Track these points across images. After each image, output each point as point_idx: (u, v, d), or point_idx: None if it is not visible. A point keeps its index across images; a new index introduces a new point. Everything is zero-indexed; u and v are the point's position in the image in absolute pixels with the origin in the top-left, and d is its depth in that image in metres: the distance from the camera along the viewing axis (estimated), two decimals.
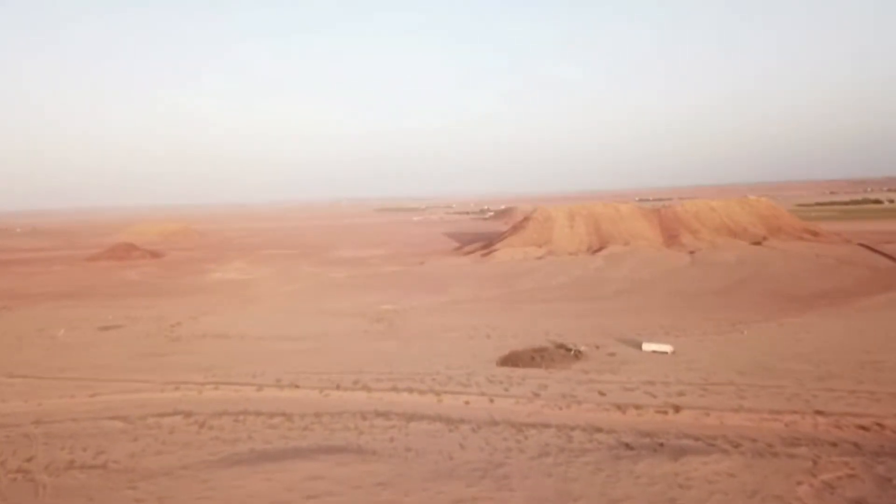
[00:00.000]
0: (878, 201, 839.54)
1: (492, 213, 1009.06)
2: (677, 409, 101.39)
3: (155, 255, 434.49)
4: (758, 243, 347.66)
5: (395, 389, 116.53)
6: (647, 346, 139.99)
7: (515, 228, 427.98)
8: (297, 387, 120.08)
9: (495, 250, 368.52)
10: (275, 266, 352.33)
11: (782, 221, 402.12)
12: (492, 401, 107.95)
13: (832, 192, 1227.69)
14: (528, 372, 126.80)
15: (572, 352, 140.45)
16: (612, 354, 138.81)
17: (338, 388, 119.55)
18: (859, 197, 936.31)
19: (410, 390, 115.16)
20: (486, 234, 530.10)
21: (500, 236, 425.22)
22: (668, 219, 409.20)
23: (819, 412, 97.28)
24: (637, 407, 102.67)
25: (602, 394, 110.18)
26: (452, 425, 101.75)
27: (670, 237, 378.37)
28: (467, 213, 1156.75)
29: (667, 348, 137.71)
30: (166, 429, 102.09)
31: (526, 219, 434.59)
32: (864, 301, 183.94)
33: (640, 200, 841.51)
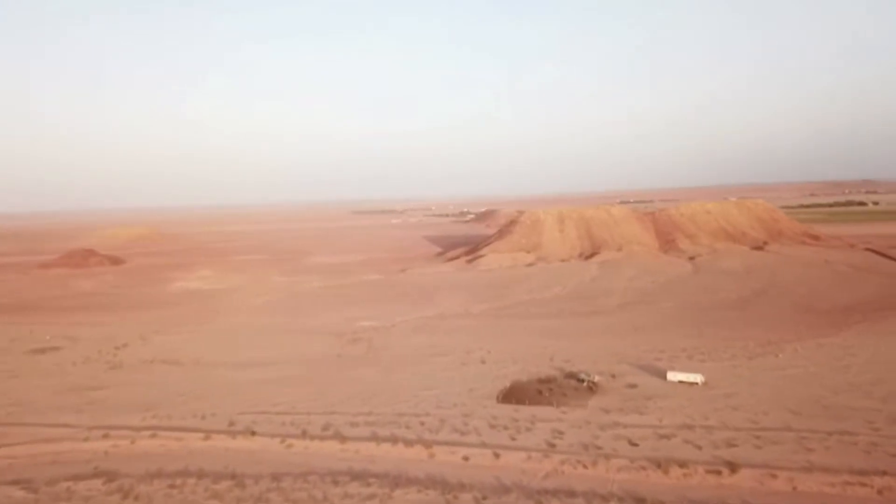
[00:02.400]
0: (862, 203, 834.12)
1: (472, 216, 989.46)
2: (733, 467, 80.00)
3: (115, 261, 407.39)
4: (759, 248, 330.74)
5: (374, 438, 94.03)
6: (673, 376, 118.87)
7: (502, 233, 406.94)
8: (253, 434, 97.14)
9: (481, 256, 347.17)
10: (244, 274, 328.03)
11: (782, 225, 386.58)
12: (497, 455, 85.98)
13: (812, 195, 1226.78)
14: (537, 411, 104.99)
15: (585, 383, 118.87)
16: (633, 386, 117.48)
17: (304, 435, 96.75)
18: (842, 199, 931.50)
19: (394, 440, 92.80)
20: (469, 237, 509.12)
21: (486, 241, 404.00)
22: (662, 222, 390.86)
23: None
24: (681, 465, 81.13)
25: (633, 444, 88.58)
26: (450, 494, 79.37)
27: (666, 242, 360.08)
28: (447, 215, 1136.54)
29: (696, 378, 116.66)
30: (79, 499, 79.30)
31: (513, 222, 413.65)
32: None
33: (622, 202, 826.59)
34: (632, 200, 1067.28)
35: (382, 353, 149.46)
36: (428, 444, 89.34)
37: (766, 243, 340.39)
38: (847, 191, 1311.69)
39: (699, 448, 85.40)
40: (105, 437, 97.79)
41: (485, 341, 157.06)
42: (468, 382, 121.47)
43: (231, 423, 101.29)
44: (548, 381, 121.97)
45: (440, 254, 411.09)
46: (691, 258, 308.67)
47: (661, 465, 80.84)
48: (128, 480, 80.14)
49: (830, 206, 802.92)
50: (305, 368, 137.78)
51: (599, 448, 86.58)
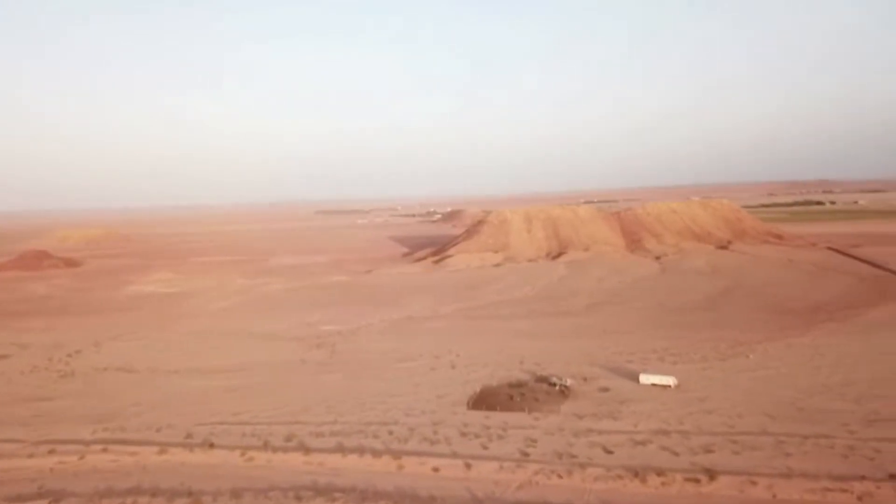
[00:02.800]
0: (819, 203, 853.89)
1: (439, 216, 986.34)
2: (711, 474, 77.57)
3: (71, 263, 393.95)
4: (724, 248, 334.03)
5: (340, 449, 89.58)
6: (646, 379, 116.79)
7: (470, 233, 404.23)
8: (212, 446, 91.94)
9: (449, 256, 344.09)
10: (206, 277, 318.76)
11: (746, 225, 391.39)
12: (468, 466, 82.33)
13: (771, 194, 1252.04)
14: (509, 418, 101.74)
15: (557, 387, 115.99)
16: (606, 390, 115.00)
17: (266, 446, 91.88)
18: (801, 199, 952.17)
19: (361, 450, 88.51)
20: (436, 237, 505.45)
21: (454, 241, 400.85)
22: (629, 222, 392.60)
23: (894, 476, 75.44)
24: (659, 473, 78.44)
25: (608, 451, 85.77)
26: None
27: (633, 242, 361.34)
28: (413, 215, 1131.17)
29: (669, 381, 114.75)
30: None
31: (481, 222, 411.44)
32: (866, 315, 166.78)
33: (587, 202, 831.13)
34: (596, 200, 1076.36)
35: (348, 358, 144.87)
36: (396, 455, 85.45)
37: (730, 243, 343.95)
38: (804, 190, 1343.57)
39: (676, 455, 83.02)
40: (51, 452, 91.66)
41: (454, 344, 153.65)
42: (437, 388, 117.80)
43: (188, 436, 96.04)
44: (519, 385, 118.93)
45: (407, 254, 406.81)
46: (658, 258, 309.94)
47: (638, 473, 78.13)
48: (74, 501, 74.70)
49: (790, 205, 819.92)
50: (268, 375, 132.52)
51: (574, 456, 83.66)
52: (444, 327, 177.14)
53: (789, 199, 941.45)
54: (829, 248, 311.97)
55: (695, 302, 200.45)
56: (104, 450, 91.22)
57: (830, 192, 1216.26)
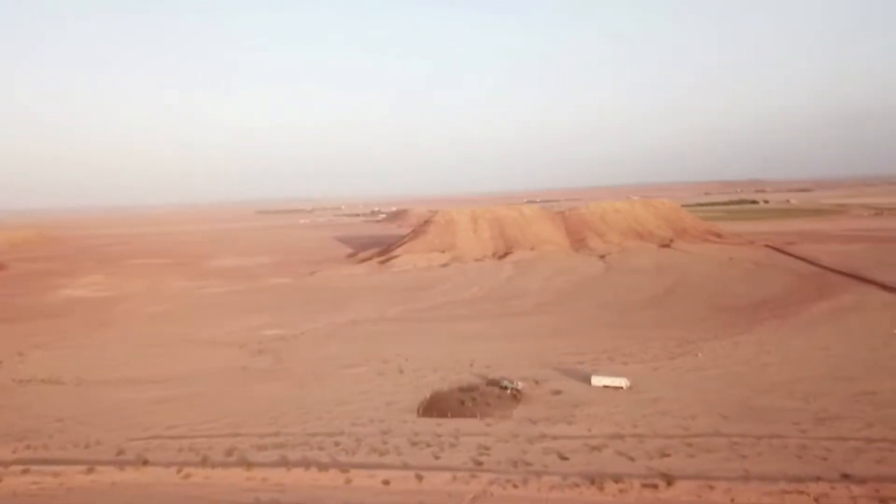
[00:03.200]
0: (754, 202, 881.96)
1: (384, 216, 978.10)
2: (669, 479, 75.84)
3: None
4: (666, 246, 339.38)
5: (284, 463, 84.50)
6: (598, 380, 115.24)
7: (416, 233, 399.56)
8: (145, 463, 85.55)
9: (395, 257, 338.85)
10: (141, 280, 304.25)
11: (686, 223, 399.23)
12: (420, 477, 78.56)
13: (707, 194, 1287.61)
14: (460, 424, 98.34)
15: (509, 390, 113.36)
16: (558, 393, 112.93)
17: (204, 462, 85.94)
18: (735, 198, 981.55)
19: (306, 464, 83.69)
20: (381, 237, 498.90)
21: (399, 241, 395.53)
22: (573, 222, 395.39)
23: (847, 476, 75.25)
24: (616, 479, 76.30)
25: (564, 457, 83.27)
26: None
27: (577, 241, 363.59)
28: (357, 214, 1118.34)
29: (621, 382, 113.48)
30: None
31: (427, 222, 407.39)
32: (806, 311, 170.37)
33: (530, 202, 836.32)
34: (539, 200, 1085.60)
35: (291, 364, 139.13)
36: (344, 468, 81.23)
37: (672, 241, 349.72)
38: (738, 190, 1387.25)
39: (632, 459, 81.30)
40: None
41: (402, 348, 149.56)
42: (386, 395, 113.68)
43: (119, 452, 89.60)
44: (470, 389, 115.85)
45: (351, 255, 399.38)
46: (602, 256, 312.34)
47: (594, 480, 75.98)
48: None
49: (726, 204, 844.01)
50: (206, 385, 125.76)
51: (529, 464, 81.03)
52: (392, 330, 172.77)
53: (725, 199, 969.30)
54: (767, 246, 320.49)
55: (641, 300, 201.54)
56: (25, 471, 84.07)
57: (763, 191, 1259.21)
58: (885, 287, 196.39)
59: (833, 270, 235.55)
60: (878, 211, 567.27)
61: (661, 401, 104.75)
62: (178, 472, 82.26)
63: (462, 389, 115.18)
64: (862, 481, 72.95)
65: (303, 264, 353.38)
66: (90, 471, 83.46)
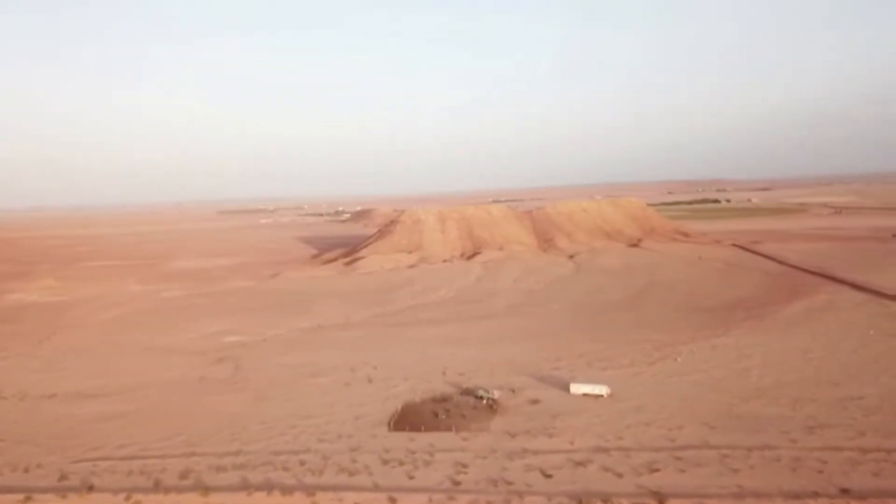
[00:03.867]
0: (716, 201, 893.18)
1: (348, 215, 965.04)
2: (660, 498, 70.65)
3: None
4: (635, 245, 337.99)
5: (245, 486, 77.10)
6: (577, 388, 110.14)
7: (382, 233, 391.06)
8: (91, 489, 77.76)
9: (361, 258, 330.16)
10: (96, 284, 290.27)
11: (654, 223, 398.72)
12: (393, 500, 72.20)
13: (670, 192, 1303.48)
14: (435, 439, 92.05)
15: (485, 401, 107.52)
16: (536, 402, 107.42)
17: (157, 486, 78.22)
18: (699, 197, 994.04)
19: (269, 487, 76.53)
20: (346, 238, 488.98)
21: (365, 242, 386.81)
22: (541, 221, 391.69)
23: (846, 491, 71.04)
24: (604, 499, 70.89)
25: (547, 475, 77.61)
26: None
27: (545, 241, 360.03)
28: (321, 214, 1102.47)
29: (601, 390, 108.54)
30: None
31: (393, 222, 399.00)
32: (780, 312, 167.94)
33: (495, 201, 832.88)
34: (503, 199, 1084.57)
35: (252, 374, 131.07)
36: (310, 491, 74.77)
37: (640, 241, 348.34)
38: (701, 189, 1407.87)
39: (620, 476, 76.15)
40: None
41: (370, 355, 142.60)
42: (354, 408, 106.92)
43: (62, 477, 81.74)
44: (443, 400, 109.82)
45: (315, 256, 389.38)
46: (571, 256, 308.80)
47: (581, 501, 70.58)
48: None
49: (689, 203, 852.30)
50: (160, 397, 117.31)
51: (510, 483, 75.38)
52: (359, 336, 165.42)
53: (688, 198, 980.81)
54: (735, 245, 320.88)
55: (614, 302, 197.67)
56: None
57: (724, 190, 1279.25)
58: (855, 286, 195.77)
59: (801, 269, 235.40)
60: (837, 210, 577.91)
61: (644, 409, 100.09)
62: (127, 499, 75.04)
63: (435, 400, 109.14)
64: (862, 497, 69.03)
65: (265, 266, 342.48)
66: (27, 499, 75.73)
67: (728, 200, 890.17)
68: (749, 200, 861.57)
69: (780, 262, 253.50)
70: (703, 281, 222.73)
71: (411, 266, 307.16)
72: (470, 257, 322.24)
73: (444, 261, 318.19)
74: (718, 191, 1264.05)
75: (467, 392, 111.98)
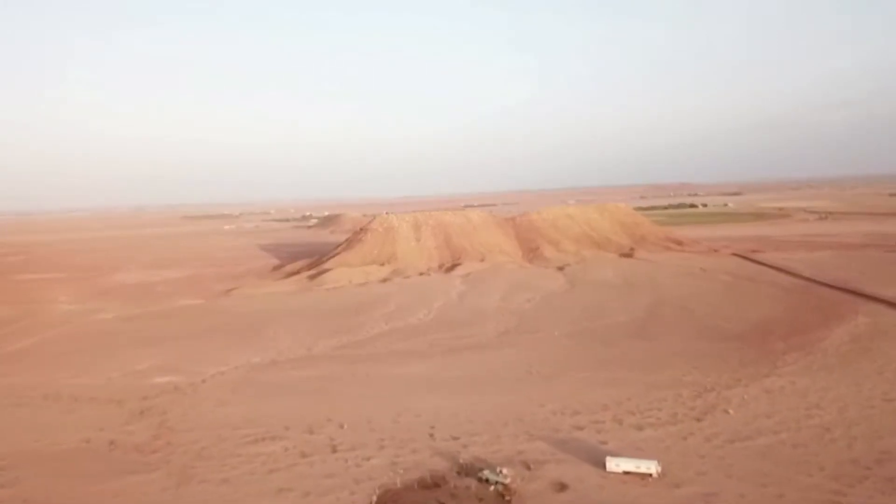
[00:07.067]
0: (693, 205, 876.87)
1: (316, 221, 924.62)
2: None
3: None
4: (628, 255, 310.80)
5: None
6: (616, 464, 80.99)
7: (351, 242, 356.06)
8: None
9: (327, 270, 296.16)
10: (15, 304, 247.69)
11: (644, 230, 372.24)
12: None
13: (643, 197, 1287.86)
14: None
15: (493, 486, 78.12)
16: (563, 488, 77.85)
17: None
18: (674, 201, 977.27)
19: None
20: (312, 246, 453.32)
21: (332, 251, 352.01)
22: (524, 229, 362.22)
23: None
24: None
25: None
26: None
27: (529, 250, 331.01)
28: (287, 220, 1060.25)
29: (649, 466, 79.55)
30: None
31: (363, 230, 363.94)
32: (824, 340, 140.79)
33: (468, 206, 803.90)
34: (475, 204, 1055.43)
35: (180, 437, 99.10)
36: None
37: (633, 250, 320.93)
38: (671, 193, 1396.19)
39: None
40: None
41: (334, 406, 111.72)
42: (311, 495, 76.92)
43: None
44: (436, 483, 79.80)
45: (278, 267, 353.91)
46: (560, 268, 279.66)
47: None
48: None
49: (665, 208, 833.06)
50: (39, 482, 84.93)
51: None
52: (321, 375, 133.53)
53: (664, 202, 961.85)
54: (735, 255, 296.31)
55: (621, 325, 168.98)
56: None
57: (696, 195, 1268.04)
58: (893, 305, 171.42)
59: (819, 283, 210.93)
60: (822, 215, 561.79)
61: (716, 498, 71.82)
62: None
63: (424, 485, 79.14)
64: None
65: (219, 279, 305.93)
66: None
67: (705, 205, 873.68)
68: (725, 205, 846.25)
69: (793, 275, 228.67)
70: (714, 298, 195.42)
71: (384, 280, 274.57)
72: (449, 269, 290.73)
73: (421, 273, 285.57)
74: (690, 195, 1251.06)
75: (466, 470, 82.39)
